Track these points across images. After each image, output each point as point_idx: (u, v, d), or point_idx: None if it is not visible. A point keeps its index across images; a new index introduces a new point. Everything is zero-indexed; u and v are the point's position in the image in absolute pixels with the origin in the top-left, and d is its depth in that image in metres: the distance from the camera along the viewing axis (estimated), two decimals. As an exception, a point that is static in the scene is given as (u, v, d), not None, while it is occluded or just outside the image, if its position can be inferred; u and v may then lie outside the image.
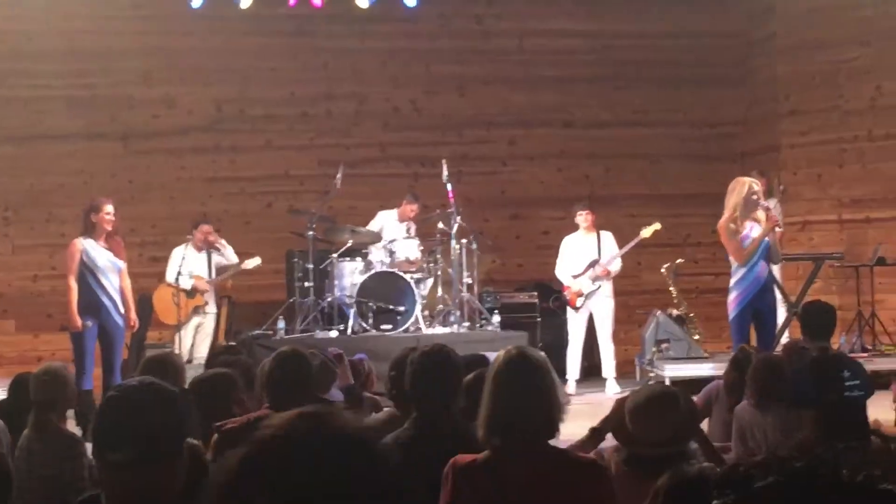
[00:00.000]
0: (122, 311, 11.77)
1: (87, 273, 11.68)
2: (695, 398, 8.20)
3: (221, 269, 13.93)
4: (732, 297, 11.05)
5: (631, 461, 4.84)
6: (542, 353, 4.51)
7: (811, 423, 7.26)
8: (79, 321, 11.51)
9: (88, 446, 5.03)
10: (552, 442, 4.44)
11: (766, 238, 10.89)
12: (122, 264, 11.82)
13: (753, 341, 11.08)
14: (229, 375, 6.17)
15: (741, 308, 10.95)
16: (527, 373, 4.34)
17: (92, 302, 11.61)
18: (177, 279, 13.26)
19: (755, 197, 10.96)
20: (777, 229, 11.05)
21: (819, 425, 7.17)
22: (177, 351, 12.66)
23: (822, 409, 7.12)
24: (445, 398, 5.04)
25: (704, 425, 7.97)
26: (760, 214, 11.04)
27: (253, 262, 13.93)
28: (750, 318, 11.03)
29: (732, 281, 11.08)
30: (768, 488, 1.78)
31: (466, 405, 5.00)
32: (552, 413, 4.35)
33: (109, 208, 11.74)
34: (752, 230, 10.91)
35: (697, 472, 3.67)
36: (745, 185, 11.05)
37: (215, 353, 7.72)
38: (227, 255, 13.96)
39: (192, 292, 13.37)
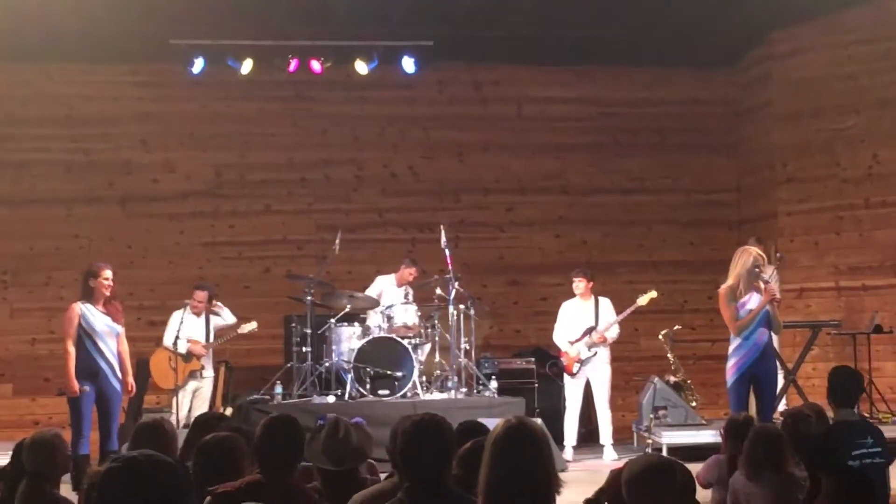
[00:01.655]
0: (120, 375, 11.75)
1: (85, 337, 11.67)
2: (699, 467, 8.23)
3: (220, 332, 13.91)
4: (730, 363, 11.00)
5: (628, 530, 4.83)
6: (541, 423, 4.52)
7: (830, 490, 7.29)
8: (76, 386, 11.49)
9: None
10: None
11: (766, 307, 10.90)
12: (120, 329, 11.82)
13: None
14: (237, 438, 6.14)
15: (739, 375, 10.89)
16: (526, 443, 4.35)
17: (90, 366, 11.59)
18: (174, 343, 13.25)
19: (758, 269, 10.97)
20: (774, 301, 11.03)
21: (840, 492, 7.19)
22: (174, 415, 12.64)
23: (842, 475, 7.14)
24: (437, 467, 5.04)
25: (706, 495, 7.99)
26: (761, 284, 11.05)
27: (249, 327, 13.91)
28: (748, 384, 10.98)
29: (731, 348, 11.04)
30: None
31: (463, 473, 5.00)
32: (550, 484, 4.36)
33: (108, 273, 11.75)
34: (751, 300, 10.92)
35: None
36: (750, 256, 11.04)
37: (202, 422, 7.59)
38: (225, 315, 13.94)
39: (188, 356, 13.35)
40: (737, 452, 7.49)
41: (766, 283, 10.91)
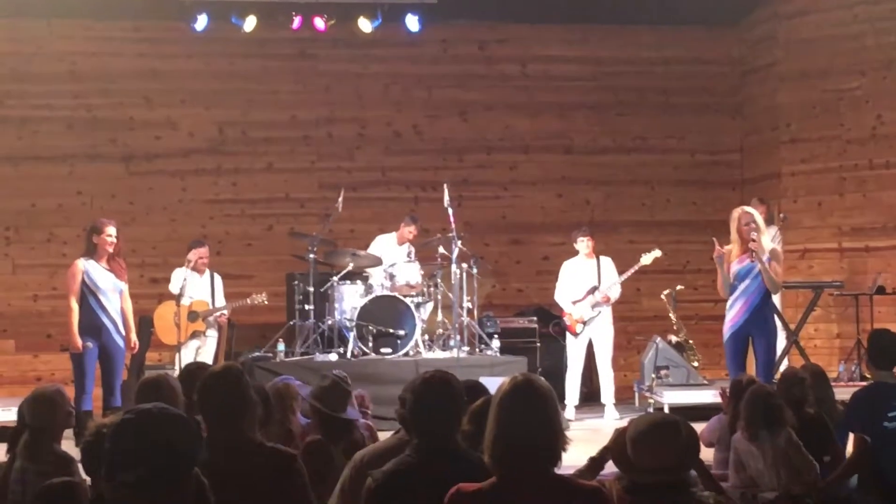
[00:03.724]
0: (123, 332, 11.77)
1: (88, 294, 11.67)
2: (702, 427, 8.27)
3: (228, 296, 13.82)
4: (725, 321, 11.14)
5: (632, 489, 4.84)
6: (546, 382, 4.52)
7: (862, 448, 7.36)
8: (79, 342, 11.51)
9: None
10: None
11: (755, 265, 10.93)
12: (124, 286, 11.83)
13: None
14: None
15: (732, 332, 11.01)
16: (533, 400, 4.35)
17: (93, 323, 11.61)
18: (178, 298, 13.22)
19: (747, 226, 11.00)
20: (763, 256, 11.04)
21: (871, 451, 7.27)
22: (176, 372, 12.65)
23: (876, 435, 7.25)
24: (446, 425, 5.04)
25: (709, 454, 8.02)
26: (766, 242, 11.07)
27: (259, 298, 13.79)
28: (743, 343, 11.07)
29: (727, 306, 11.16)
30: None
31: (474, 430, 5.00)
32: (557, 441, 4.36)
33: (111, 230, 11.73)
34: (747, 259, 10.98)
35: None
36: (735, 216, 11.16)
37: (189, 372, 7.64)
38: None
39: (193, 315, 13.33)
40: (738, 413, 7.53)
41: (753, 240, 10.93)
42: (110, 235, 11.71)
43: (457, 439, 5.02)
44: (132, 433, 3.56)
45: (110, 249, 11.72)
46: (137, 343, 12.32)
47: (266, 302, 13.81)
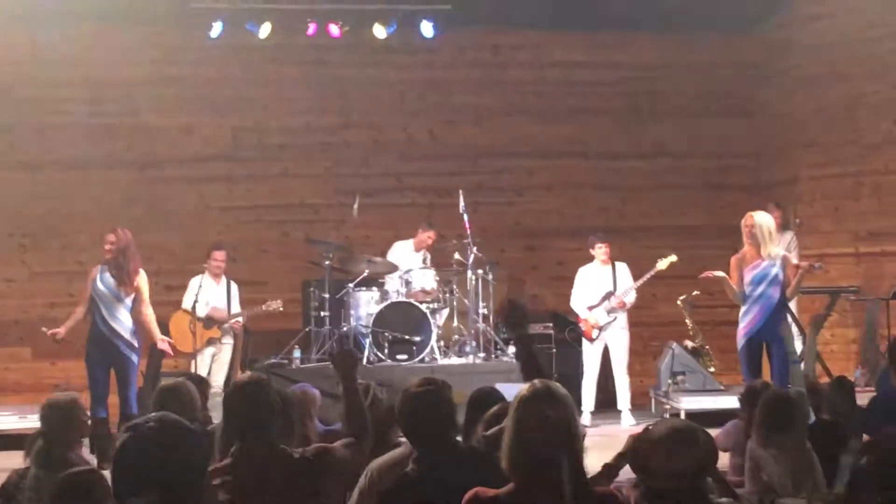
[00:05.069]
0: (133, 342, 11.75)
1: (92, 302, 11.78)
2: (717, 432, 8.26)
3: (244, 303, 13.86)
4: (739, 327, 11.14)
5: (649, 495, 4.83)
6: (564, 389, 4.52)
7: (877, 452, 7.34)
8: (56, 330, 12.01)
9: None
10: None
11: (769, 270, 10.92)
12: (125, 295, 11.78)
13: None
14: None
15: (747, 339, 11.04)
16: (551, 405, 4.35)
17: (96, 330, 11.72)
18: (193, 307, 13.26)
19: (753, 231, 11.02)
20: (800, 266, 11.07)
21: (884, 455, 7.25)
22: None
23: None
24: (437, 432, 5.08)
25: (724, 460, 8.01)
26: (774, 250, 11.05)
27: (274, 305, 13.80)
28: (758, 349, 11.10)
29: (740, 312, 11.15)
30: None
31: (490, 436, 5.03)
32: (574, 447, 4.36)
33: (109, 237, 11.80)
34: (761, 266, 10.97)
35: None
36: (743, 223, 11.20)
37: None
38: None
39: (209, 322, 13.34)
40: (753, 418, 7.52)
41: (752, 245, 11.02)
42: (107, 241, 11.77)
43: (454, 440, 5.07)
44: (133, 455, 3.49)
45: (107, 256, 11.77)
46: (167, 343, 12.37)
47: (281, 309, 13.82)
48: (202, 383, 7.87)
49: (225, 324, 13.47)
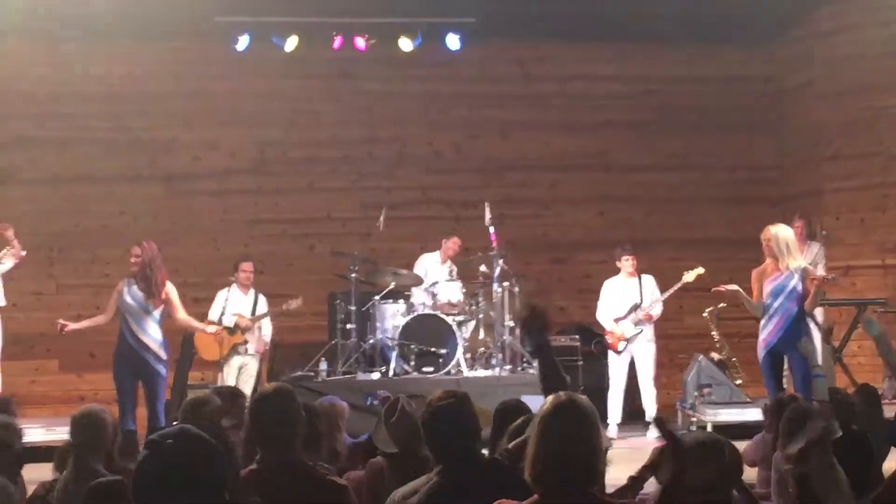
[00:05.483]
0: (161, 354, 11.77)
1: (120, 315, 11.82)
2: (744, 446, 8.24)
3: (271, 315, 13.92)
4: (759, 339, 11.13)
5: (675, 508, 4.83)
6: (589, 401, 4.52)
7: None
8: (63, 323, 12.23)
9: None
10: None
11: (788, 282, 10.91)
12: (153, 307, 11.78)
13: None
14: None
15: (766, 351, 11.02)
16: (575, 420, 4.35)
17: (124, 343, 11.74)
18: (219, 319, 13.30)
19: (770, 244, 11.02)
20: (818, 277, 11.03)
21: None
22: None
23: None
24: (463, 445, 5.09)
25: (751, 473, 7.99)
26: (793, 263, 11.03)
27: (294, 303, 13.86)
28: (778, 360, 11.08)
29: (760, 325, 11.15)
30: None
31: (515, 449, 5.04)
32: (597, 461, 4.36)
33: (134, 249, 11.84)
34: (781, 277, 10.95)
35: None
36: (761, 237, 11.19)
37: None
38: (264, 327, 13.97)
39: (233, 329, 13.38)
40: (774, 431, 7.51)
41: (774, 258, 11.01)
42: (132, 254, 11.81)
43: (477, 453, 5.08)
44: (154, 471, 3.49)
45: (133, 269, 11.80)
46: (216, 324, 12.70)
47: (301, 304, 13.85)
48: (239, 395, 7.86)
49: (249, 330, 13.50)
